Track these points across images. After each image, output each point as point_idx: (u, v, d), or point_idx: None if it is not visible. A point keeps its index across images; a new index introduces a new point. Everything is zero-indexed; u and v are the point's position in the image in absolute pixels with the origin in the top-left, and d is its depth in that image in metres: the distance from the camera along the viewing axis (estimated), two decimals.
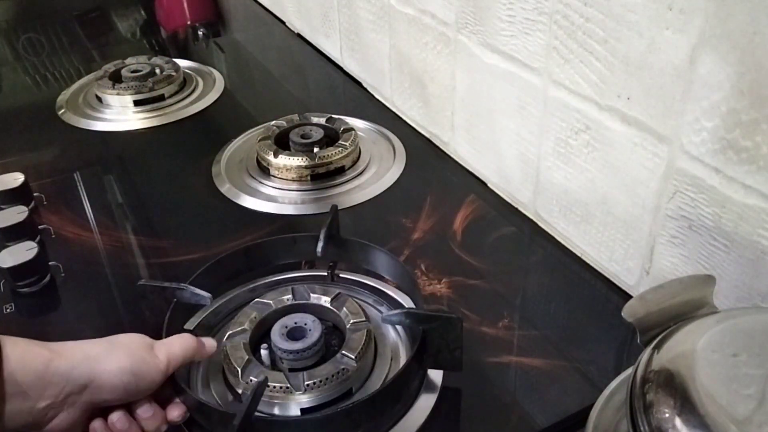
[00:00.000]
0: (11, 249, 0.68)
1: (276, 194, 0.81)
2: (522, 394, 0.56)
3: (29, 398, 0.45)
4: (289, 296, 0.60)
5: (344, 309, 0.58)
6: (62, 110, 1.01)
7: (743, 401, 0.34)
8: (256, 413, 0.49)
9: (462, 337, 0.53)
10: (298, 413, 0.52)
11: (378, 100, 1.01)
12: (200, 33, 1.34)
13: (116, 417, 0.49)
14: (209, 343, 0.55)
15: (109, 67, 1.07)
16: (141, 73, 1.04)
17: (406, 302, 0.62)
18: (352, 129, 0.87)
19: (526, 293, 0.66)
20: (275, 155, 0.82)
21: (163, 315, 0.57)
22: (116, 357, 0.48)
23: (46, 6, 1.48)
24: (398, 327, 0.60)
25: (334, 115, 0.90)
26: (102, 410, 0.49)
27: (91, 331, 0.63)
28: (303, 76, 1.14)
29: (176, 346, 0.52)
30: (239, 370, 0.53)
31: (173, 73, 1.05)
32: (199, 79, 1.09)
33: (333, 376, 0.53)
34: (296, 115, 0.90)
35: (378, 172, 0.84)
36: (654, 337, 0.41)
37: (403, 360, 0.58)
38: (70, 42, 1.28)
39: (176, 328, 0.58)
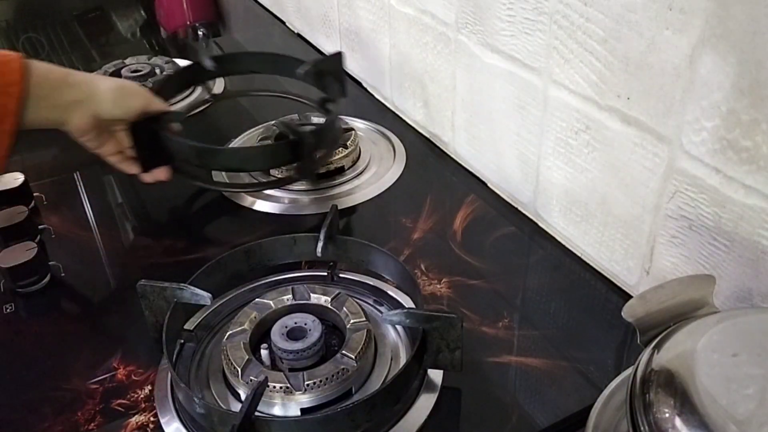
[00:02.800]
0: (11, 249, 0.68)
1: (276, 194, 0.81)
2: (522, 394, 0.56)
3: (54, 99, 0.65)
4: (289, 296, 0.60)
5: (344, 309, 0.58)
6: None
7: (743, 401, 0.34)
8: (256, 413, 0.49)
9: (462, 336, 0.53)
10: (298, 413, 0.52)
11: (378, 100, 1.01)
12: (200, 33, 1.33)
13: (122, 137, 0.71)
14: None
15: (109, 67, 1.06)
16: (141, 73, 1.04)
17: (406, 302, 0.62)
18: (352, 129, 0.87)
19: (526, 293, 0.66)
20: None
21: (163, 315, 0.57)
22: (110, 80, 0.71)
23: (46, 6, 1.48)
24: (398, 327, 0.60)
25: None
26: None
27: (91, 331, 0.64)
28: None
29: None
30: (239, 370, 0.53)
31: (173, 73, 1.05)
32: None
33: (333, 376, 0.53)
34: (296, 115, 0.90)
35: (378, 172, 0.84)
36: (654, 337, 0.41)
37: (403, 360, 0.58)
38: (70, 42, 1.28)
39: (176, 328, 0.58)
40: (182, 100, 0.98)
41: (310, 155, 0.73)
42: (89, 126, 0.67)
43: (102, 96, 0.67)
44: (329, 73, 0.84)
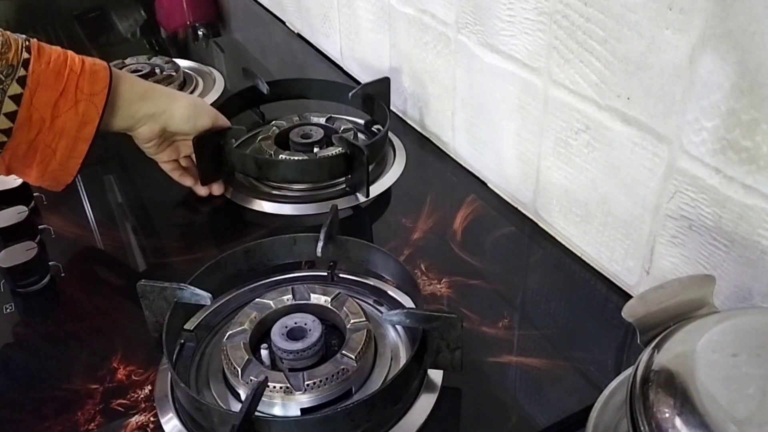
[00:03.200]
0: (11, 249, 0.68)
1: (276, 194, 0.81)
2: (522, 394, 0.56)
3: (132, 110, 0.69)
4: (289, 296, 0.60)
5: (344, 309, 0.58)
6: None
7: (743, 401, 0.34)
8: (256, 413, 0.49)
9: (462, 336, 0.53)
10: (298, 413, 0.52)
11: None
12: (200, 33, 1.33)
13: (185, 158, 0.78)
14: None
15: None
16: (141, 73, 1.03)
17: (406, 302, 0.62)
18: (352, 129, 0.87)
19: (526, 293, 0.66)
20: (275, 155, 0.82)
21: (163, 315, 0.57)
22: (186, 98, 0.74)
23: (46, 6, 1.48)
24: (398, 327, 0.60)
25: (334, 115, 0.90)
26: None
27: (91, 331, 0.64)
28: (303, 76, 1.14)
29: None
30: (239, 370, 0.53)
31: (173, 73, 1.05)
32: (199, 79, 1.09)
33: (333, 376, 0.53)
34: (296, 115, 0.90)
35: (378, 172, 0.84)
36: (654, 337, 0.41)
37: (403, 360, 0.58)
38: (70, 42, 1.28)
39: (176, 328, 0.58)
40: None
41: (364, 168, 0.75)
42: (155, 136, 0.72)
43: (176, 112, 0.72)
44: (375, 96, 0.88)
